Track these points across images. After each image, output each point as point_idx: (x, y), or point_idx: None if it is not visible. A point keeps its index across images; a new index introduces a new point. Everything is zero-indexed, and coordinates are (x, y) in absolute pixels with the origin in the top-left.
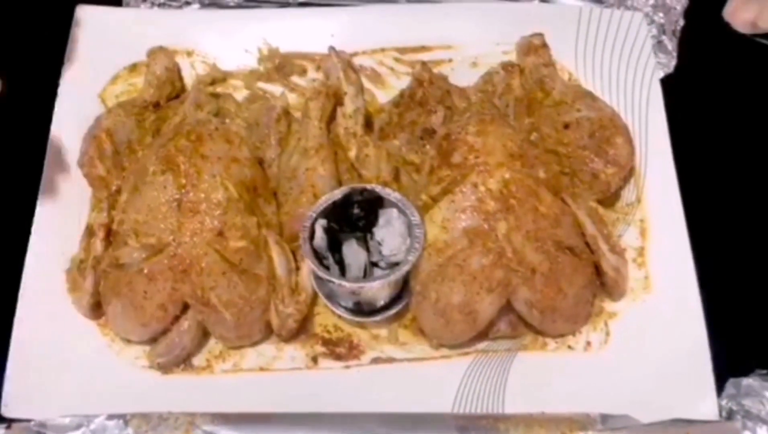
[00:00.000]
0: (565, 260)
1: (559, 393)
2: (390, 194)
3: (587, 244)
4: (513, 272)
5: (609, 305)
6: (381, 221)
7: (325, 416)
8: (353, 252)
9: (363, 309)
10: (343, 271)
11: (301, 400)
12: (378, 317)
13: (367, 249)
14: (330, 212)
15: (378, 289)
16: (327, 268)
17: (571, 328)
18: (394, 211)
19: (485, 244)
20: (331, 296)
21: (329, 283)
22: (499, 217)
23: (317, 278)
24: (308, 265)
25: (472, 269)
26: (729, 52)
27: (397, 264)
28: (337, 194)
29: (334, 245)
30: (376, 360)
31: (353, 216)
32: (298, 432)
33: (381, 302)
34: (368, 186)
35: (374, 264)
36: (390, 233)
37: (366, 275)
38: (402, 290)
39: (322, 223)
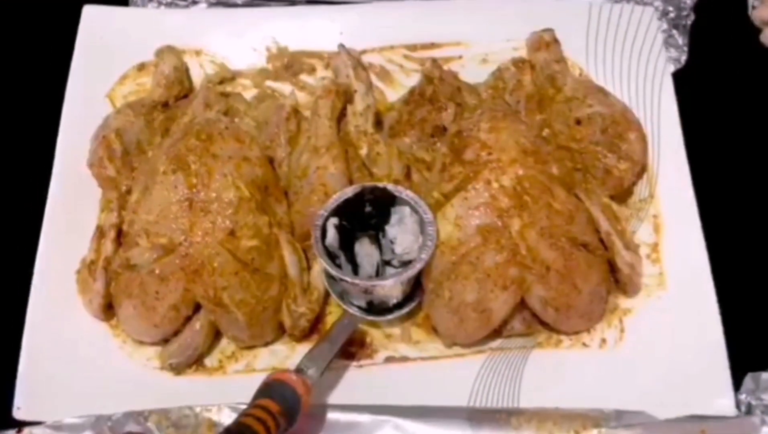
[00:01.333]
0: (579, 257)
1: (574, 390)
2: (402, 192)
3: (601, 240)
4: (527, 270)
5: (623, 302)
6: (393, 219)
7: (335, 406)
8: (365, 251)
9: (375, 308)
10: (355, 270)
11: (316, 400)
12: (391, 316)
13: (380, 248)
14: (342, 211)
15: (391, 287)
16: (339, 267)
17: (586, 325)
18: (407, 209)
19: (499, 241)
20: (343, 296)
21: (342, 282)
22: (513, 214)
23: (329, 277)
24: (321, 264)
25: (486, 266)
26: (740, 46)
27: (409, 262)
28: (349, 192)
29: (346, 244)
30: (389, 359)
31: (365, 214)
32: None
33: (393, 301)
34: (380, 184)
35: (387, 263)
36: (402, 231)
37: (378, 273)
38: (414, 289)
39: (333, 221)
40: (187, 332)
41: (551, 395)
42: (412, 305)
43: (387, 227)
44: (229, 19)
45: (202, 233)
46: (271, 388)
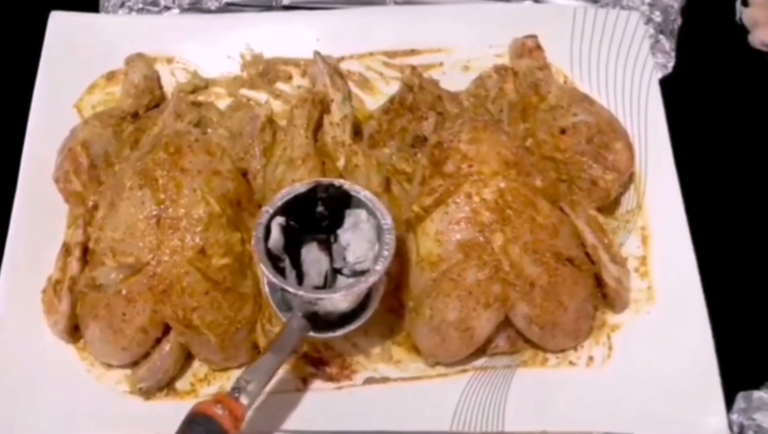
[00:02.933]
0: (564, 273)
1: (561, 411)
2: (360, 192)
3: (587, 254)
4: (511, 287)
5: (611, 318)
6: (347, 222)
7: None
8: (313, 257)
9: (320, 320)
10: (301, 276)
11: (291, 424)
12: (339, 332)
13: (330, 254)
14: (290, 209)
15: (339, 301)
16: (283, 272)
17: (573, 343)
18: (363, 212)
19: (481, 257)
20: (283, 306)
21: (283, 291)
22: (495, 228)
23: (270, 283)
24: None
25: (468, 283)
26: (729, 50)
27: (363, 273)
28: (300, 188)
29: (293, 247)
30: (369, 380)
31: (316, 215)
32: None
33: (341, 314)
34: (336, 181)
35: (337, 271)
36: (357, 238)
37: (327, 283)
38: (366, 301)
39: (279, 221)
40: (157, 354)
41: (537, 416)
42: (363, 320)
43: (340, 232)
44: (202, 26)
45: (171, 252)
46: (193, 424)
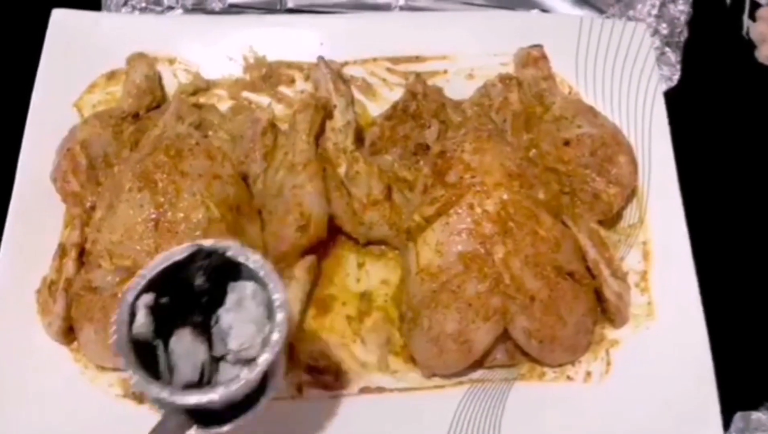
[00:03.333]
0: (565, 287)
1: (557, 426)
2: (249, 257)
3: (588, 268)
4: (510, 300)
5: (610, 333)
6: (229, 300)
7: None
8: (185, 347)
9: (204, 414)
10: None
11: (285, 432)
12: (226, 427)
13: (210, 339)
14: (163, 282)
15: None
16: (155, 361)
17: (571, 357)
18: (249, 286)
19: (481, 269)
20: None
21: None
22: (497, 241)
23: None
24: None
25: (468, 295)
26: (735, 64)
27: (251, 361)
28: (177, 254)
29: (165, 330)
30: (365, 390)
31: (195, 290)
32: None
33: (232, 404)
34: (220, 246)
35: (219, 359)
36: (240, 319)
37: (204, 376)
38: (264, 385)
39: (146, 301)
40: None
41: (534, 430)
42: (257, 409)
43: (221, 311)
44: (205, 27)
45: None
46: None
